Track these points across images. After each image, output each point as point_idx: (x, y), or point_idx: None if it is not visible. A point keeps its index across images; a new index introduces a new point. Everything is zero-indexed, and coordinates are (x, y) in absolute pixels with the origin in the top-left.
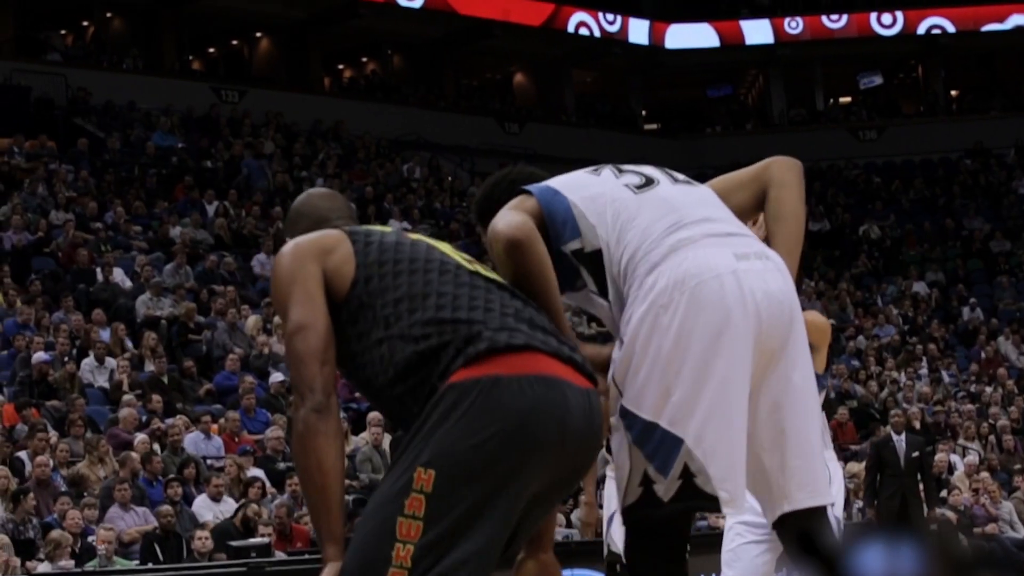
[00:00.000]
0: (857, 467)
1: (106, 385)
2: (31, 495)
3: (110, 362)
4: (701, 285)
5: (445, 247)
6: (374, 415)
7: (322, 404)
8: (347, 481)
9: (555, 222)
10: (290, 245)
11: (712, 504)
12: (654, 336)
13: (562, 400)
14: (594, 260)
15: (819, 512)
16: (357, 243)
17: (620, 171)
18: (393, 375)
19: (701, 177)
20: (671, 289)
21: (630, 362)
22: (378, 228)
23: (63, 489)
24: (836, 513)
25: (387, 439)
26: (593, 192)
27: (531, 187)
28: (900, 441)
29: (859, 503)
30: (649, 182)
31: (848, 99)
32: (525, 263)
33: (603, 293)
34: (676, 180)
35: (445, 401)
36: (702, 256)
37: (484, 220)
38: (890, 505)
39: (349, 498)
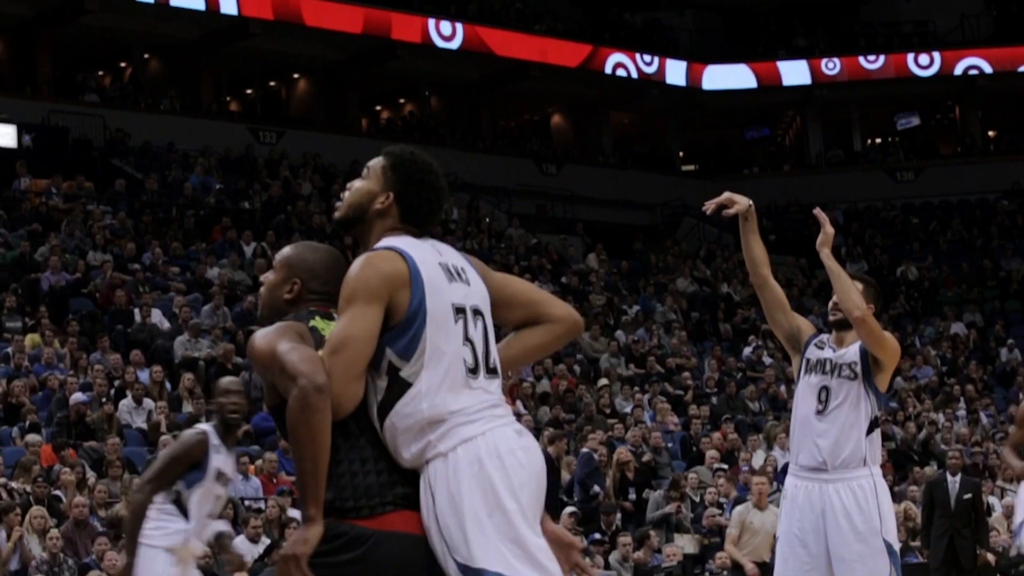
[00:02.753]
0: (896, 508)
1: (144, 426)
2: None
3: (148, 403)
4: (507, 458)
5: None
6: None
7: (325, 385)
8: None
9: (403, 326)
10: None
11: None
12: (474, 497)
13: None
14: (400, 385)
15: None
16: None
17: (466, 335)
18: None
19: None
20: (485, 459)
21: (457, 521)
22: None
23: (101, 530)
24: (887, 536)
25: None
26: (442, 346)
27: (413, 263)
28: (954, 483)
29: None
30: (475, 369)
31: (885, 140)
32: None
33: (382, 414)
34: (488, 368)
35: None
36: (500, 435)
37: (394, 171)
38: (939, 545)
39: None
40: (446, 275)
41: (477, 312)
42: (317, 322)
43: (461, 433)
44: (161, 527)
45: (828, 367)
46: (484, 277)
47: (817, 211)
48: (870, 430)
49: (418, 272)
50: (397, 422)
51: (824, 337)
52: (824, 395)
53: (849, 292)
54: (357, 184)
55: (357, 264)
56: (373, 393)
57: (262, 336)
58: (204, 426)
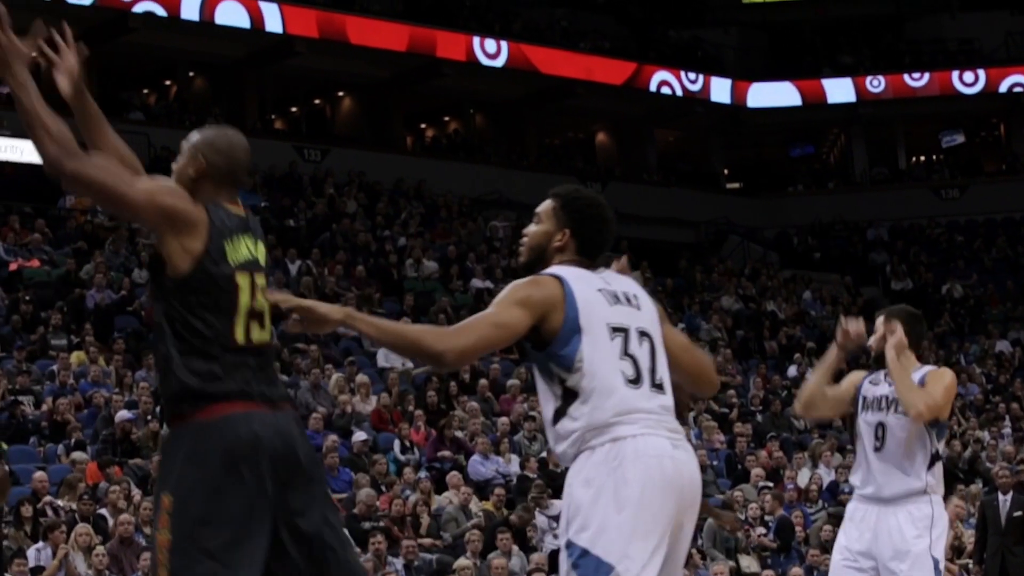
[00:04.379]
0: None
1: None
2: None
3: None
4: (650, 460)
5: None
6: (454, 476)
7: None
8: (430, 540)
9: (560, 343)
10: None
11: None
12: (606, 486)
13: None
14: (568, 394)
15: None
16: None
17: (625, 351)
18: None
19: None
20: (628, 457)
21: (582, 501)
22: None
23: (146, 547)
24: (935, 553)
25: (475, 502)
26: (598, 360)
27: (568, 287)
28: (1005, 501)
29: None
30: (637, 379)
31: (929, 157)
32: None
33: (557, 419)
34: (654, 383)
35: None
36: (652, 441)
37: (565, 210)
38: (992, 564)
39: (432, 557)
40: (607, 299)
41: (643, 333)
42: (228, 246)
43: (615, 432)
44: None
45: (885, 403)
46: (660, 319)
47: (855, 329)
48: (932, 463)
49: (572, 295)
50: (566, 425)
51: (880, 374)
52: (880, 432)
53: (910, 393)
54: (532, 229)
55: (523, 279)
56: (551, 401)
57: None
58: None
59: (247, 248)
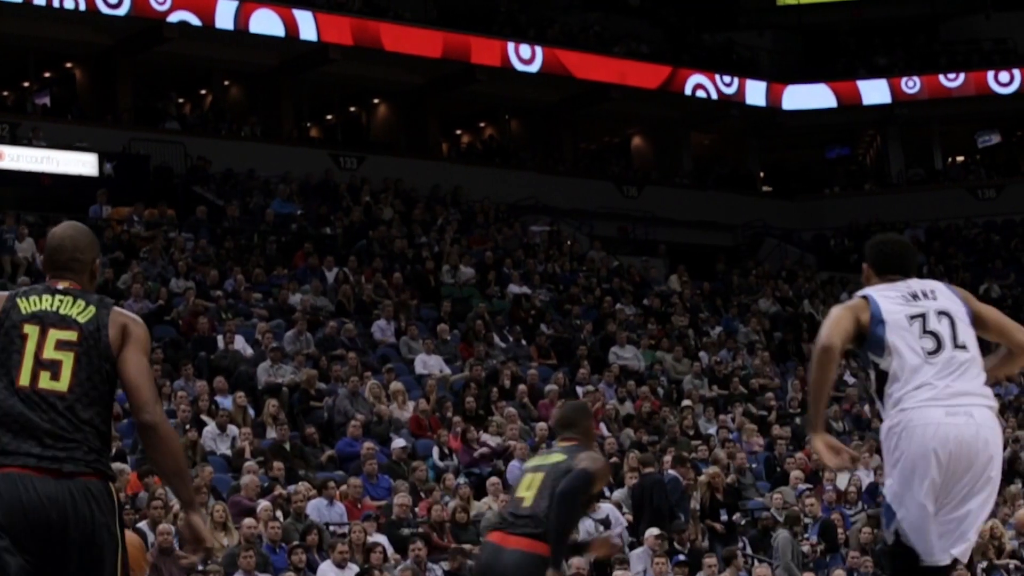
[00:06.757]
0: (982, 526)
1: (228, 452)
2: None
3: (232, 429)
4: (923, 429)
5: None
6: (493, 481)
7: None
8: (467, 546)
9: (872, 337)
10: None
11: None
12: (893, 449)
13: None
14: (880, 375)
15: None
16: None
17: (924, 329)
18: None
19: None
20: (908, 426)
21: (884, 461)
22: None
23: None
24: None
25: None
26: (900, 344)
27: (872, 302)
28: None
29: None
30: (938, 349)
31: (966, 158)
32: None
33: (878, 393)
34: (956, 344)
35: None
36: (929, 412)
37: (867, 251)
38: None
39: (472, 563)
40: (905, 297)
41: (941, 312)
42: (21, 301)
43: (904, 403)
44: None
45: None
46: (965, 300)
47: None
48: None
49: (874, 300)
50: (886, 401)
51: None
52: None
53: None
54: None
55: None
56: (871, 383)
57: None
58: None
59: (48, 304)
